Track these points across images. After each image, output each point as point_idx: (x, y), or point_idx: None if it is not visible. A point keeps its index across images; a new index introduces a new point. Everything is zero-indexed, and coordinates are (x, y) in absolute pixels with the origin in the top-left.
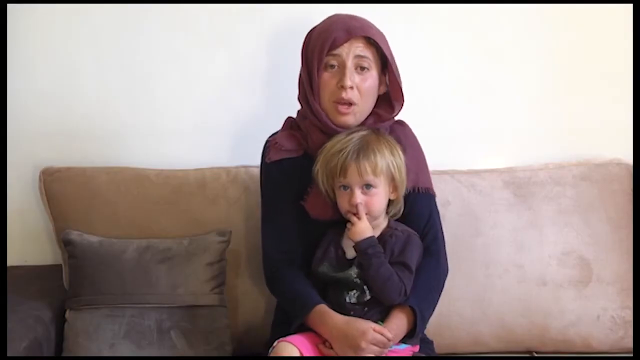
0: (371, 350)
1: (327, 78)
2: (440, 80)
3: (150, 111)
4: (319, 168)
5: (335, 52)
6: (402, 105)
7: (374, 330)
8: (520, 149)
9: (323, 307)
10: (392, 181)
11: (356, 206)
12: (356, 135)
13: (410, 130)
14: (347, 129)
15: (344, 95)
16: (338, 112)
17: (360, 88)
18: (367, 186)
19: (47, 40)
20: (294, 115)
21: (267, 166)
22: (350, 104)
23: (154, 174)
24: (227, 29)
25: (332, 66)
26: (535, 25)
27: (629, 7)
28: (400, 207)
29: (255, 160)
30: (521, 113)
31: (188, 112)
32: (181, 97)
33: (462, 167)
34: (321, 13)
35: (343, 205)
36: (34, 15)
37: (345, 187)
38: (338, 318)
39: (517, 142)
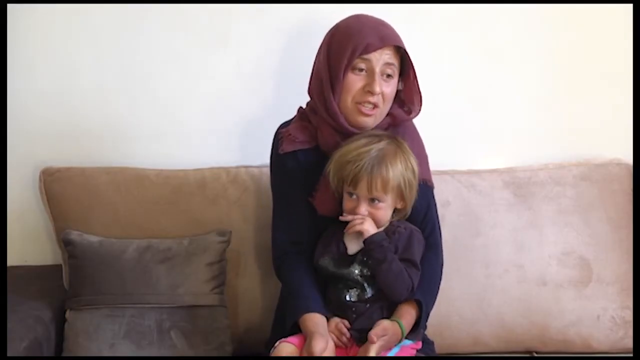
0: None
1: (353, 80)
2: (440, 81)
3: (150, 111)
4: (331, 168)
5: (367, 56)
6: (420, 108)
7: None
8: (520, 149)
9: (312, 315)
10: (401, 194)
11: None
12: (375, 147)
13: (411, 121)
14: (362, 130)
15: (371, 99)
16: (360, 112)
17: (384, 94)
18: (374, 200)
19: (47, 40)
20: (295, 113)
21: (280, 157)
22: (374, 106)
23: (154, 174)
24: (227, 29)
25: (361, 69)
26: (535, 25)
27: (629, 7)
28: (406, 214)
29: (256, 160)
30: (521, 113)
31: (188, 113)
32: (181, 97)
33: (462, 167)
34: (322, 13)
35: (347, 209)
36: (34, 15)
37: (352, 194)
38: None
39: (517, 142)
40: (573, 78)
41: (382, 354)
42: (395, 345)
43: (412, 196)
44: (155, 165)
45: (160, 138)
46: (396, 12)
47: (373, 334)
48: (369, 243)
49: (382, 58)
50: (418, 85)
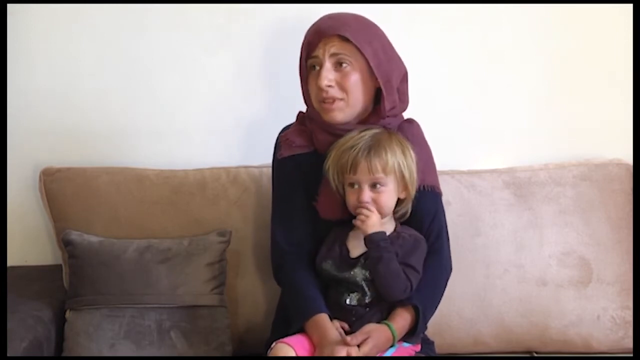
0: None
1: (310, 80)
2: (440, 81)
3: (150, 111)
4: (330, 164)
5: (314, 54)
6: (395, 102)
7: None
8: (520, 149)
9: (320, 317)
10: (402, 180)
11: (365, 203)
12: (368, 133)
13: (418, 128)
14: (340, 125)
15: (324, 94)
16: (324, 109)
17: (342, 84)
18: (376, 184)
19: (47, 40)
20: (296, 115)
21: (279, 162)
22: (333, 100)
23: (154, 174)
24: (227, 29)
25: (314, 68)
26: (536, 25)
27: (629, 7)
28: (408, 208)
29: (256, 160)
30: (521, 113)
31: (188, 112)
32: (181, 97)
33: (462, 167)
34: (323, 13)
35: (352, 202)
36: (34, 15)
37: (353, 184)
38: (326, 333)
39: (517, 142)
40: (573, 78)
41: (380, 355)
42: (391, 347)
43: (413, 182)
44: (155, 165)
45: (160, 138)
46: (396, 12)
47: (352, 336)
48: (368, 241)
49: (327, 50)
50: (378, 76)
